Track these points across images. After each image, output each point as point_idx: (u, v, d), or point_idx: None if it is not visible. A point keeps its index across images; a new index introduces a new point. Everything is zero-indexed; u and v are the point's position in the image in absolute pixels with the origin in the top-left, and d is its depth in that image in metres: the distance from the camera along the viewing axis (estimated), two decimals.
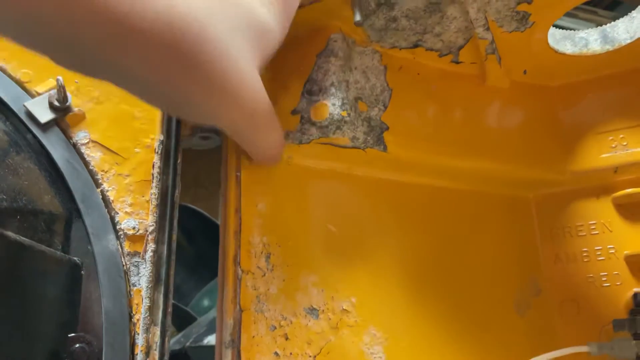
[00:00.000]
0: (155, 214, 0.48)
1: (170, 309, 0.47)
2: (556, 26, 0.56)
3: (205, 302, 1.25)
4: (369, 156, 0.53)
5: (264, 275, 0.48)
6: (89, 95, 0.50)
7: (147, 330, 0.45)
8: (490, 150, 0.58)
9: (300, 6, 0.46)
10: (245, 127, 0.42)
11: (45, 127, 0.48)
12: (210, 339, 0.97)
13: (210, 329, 1.01)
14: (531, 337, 0.59)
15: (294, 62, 0.52)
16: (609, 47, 0.56)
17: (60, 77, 0.48)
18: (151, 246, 0.47)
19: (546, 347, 0.56)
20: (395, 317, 0.53)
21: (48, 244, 0.44)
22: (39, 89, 0.49)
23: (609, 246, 0.58)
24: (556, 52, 0.56)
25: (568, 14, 1.35)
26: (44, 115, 0.48)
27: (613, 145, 0.58)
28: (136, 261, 0.47)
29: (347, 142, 0.50)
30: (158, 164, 0.50)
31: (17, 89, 0.49)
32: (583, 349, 0.54)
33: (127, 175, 0.49)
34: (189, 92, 0.35)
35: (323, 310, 0.50)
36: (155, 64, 0.33)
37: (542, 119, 0.61)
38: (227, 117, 0.39)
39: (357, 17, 0.49)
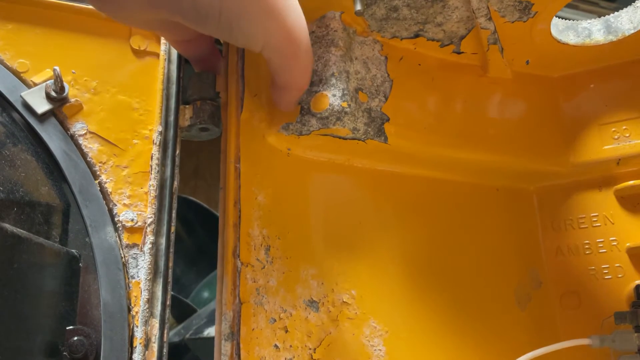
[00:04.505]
0: (153, 206, 0.48)
1: (169, 302, 0.47)
2: (558, 17, 0.56)
3: (205, 294, 1.25)
4: (370, 147, 0.52)
5: (264, 267, 0.48)
6: (86, 85, 0.50)
7: (146, 323, 0.45)
8: (492, 141, 0.58)
9: None
10: (286, 44, 0.44)
11: (42, 118, 0.47)
12: (211, 331, 0.97)
13: (211, 320, 1.01)
14: (532, 329, 0.59)
15: None
16: (612, 38, 0.56)
17: (57, 67, 0.47)
18: (150, 238, 0.47)
19: (547, 339, 0.56)
20: (396, 310, 0.53)
21: (45, 236, 0.44)
22: (36, 79, 0.48)
23: (611, 238, 0.58)
24: (559, 42, 0.56)
25: (569, 5, 1.34)
26: (41, 105, 0.47)
27: (616, 137, 0.57)
28: (135, 253, 0.47)
29: (348, 133, 0.50)
30: (156, 155, 0.49)
31: (13, 79, 0.48)
32: (584, 341, 0.54)
33: (125, 167, 0.49)
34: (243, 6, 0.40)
35: (323, 303, 0.50)
36: None
37: (544, 110, 0.60)
38: (270, 30, 0.42)
39: (358, 7, 0.48)
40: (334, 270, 0.51)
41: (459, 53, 0.57)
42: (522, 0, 0.51)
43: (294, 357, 0.47)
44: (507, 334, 0.58)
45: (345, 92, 0.49)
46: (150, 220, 0.47)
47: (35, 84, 0.48)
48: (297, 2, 0.44)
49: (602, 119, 0.58)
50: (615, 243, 0.58)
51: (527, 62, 0.58)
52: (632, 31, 0.55)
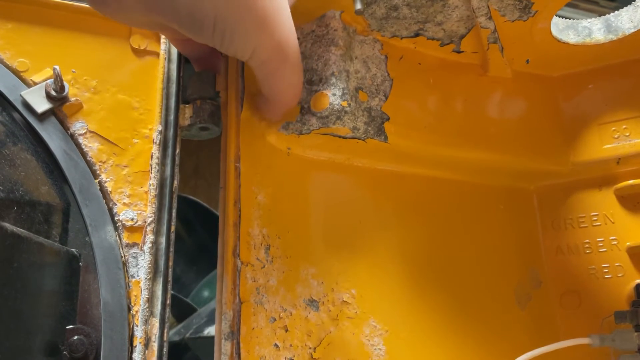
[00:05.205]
0: (153, 205, 0.48)
1: (169, 301, 0.47)
2: (558, 16, 0.56)
3: (206, 293, 1.25)
4: (370, 147, 0.52)
5: (264, 267, 0.48)
6: (86, 84, 0.50)
7: (146, 322, 0.45)
8: (492, 141, 0.58)
9: None
10: (272, 57, 0.44)
11: (42, 117, 0.47)
12: (211, 330, 0.97)
13: (211, 319, 1.01)
14: (532, 329, 0.59)
15: None
16: (612, 37, 0.56)
17: (57, 67, 0.47)
18: (150, 237, 0.47)
19: (547, 339, 0.56)
20: (395, 309, 0.53)
21: (45, 236, 0.44)
22: (36, 78, 0.48)
23: (610, 238, 0.58)
24: (559, 41, 0.56)
25: (569, 4, 1.34)
26: (41, 105, 0.47)
27: (616, 136, 0.57)
28: (135, 252, 0.47)
29: (348, 133, 0.50)
30: (156, 154, 0.49)
31: (13, 78, 0.48)
32: (584, 340, 0.54)
33: (125, 166, 0.49)
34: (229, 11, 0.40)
35: (323, 302, 0.50)
36: None
37: (544, 110, 0.60)
38: (259, 41, 0.43)
39: (358, 6, 0.48)
40: (334, 270, 0.51)
41: (459, 52, 0.57)
42: None
43: (294, 356, 0.47)
44: (507, 333, 0.58)
45: (345, 91, 0.49)
46: (150, 219, 0.47)
47: (35, 83, 0.48)
48: (290, 17, 0.44)
49: (602, 118, 0.58)
50: (615, 242, 0.58)
51: (527, 61, 0.58)
52: (633, 30, 0.55)
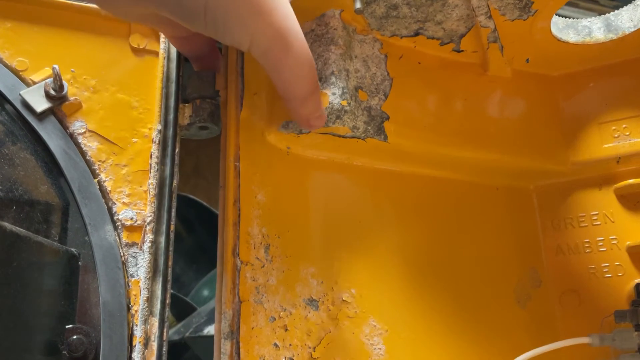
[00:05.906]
0: (153, 204, 0.48)
1: (168, 300, 0.47)
2: (558, 15, 0.56)
3: (205, 292, 1.25)
4: (369, 146, 0.52)
5: (263, 266, 0.48)
6: (85, 84, 0.50)
7: (145, 322, 0.45)
8: (492, 140, 0.58)
9: None
10: (273, 46, 0.42)
11: (41, 116, 0.47)
12: (210, 329, 0.97)
13: (210, 319, 1.01)
14: (532, 328, 0.59)
15: None
16: (612, 36, 0.56)
17: (56, 66, 0.47)
18: (149, 237, 0.47)
19: (547, 338, 0.56)
20: (395, 308, 0.53)
21: (45, 235, 0.44)
22: (35, 77, 0.48)
23: (610, 237, 0.58)
24: (559, 40, 0.56)
25: (569, 3, 1.34)
26: (40, 104, 0.47)
27: (616, 135, 0.57)
28: (134, 252, 0.47)
29: (347, 132, 0.50)
30: (156, 153, 0.49)
31: (12, 77, 0.48)
32: (584, 340, 0.54)
33: (124, 166, 0.49)
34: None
35: (323, 302, 0.50)
36: None
37: (544, 109, 0.60)
38: (255, 29, 0.40)
39: (358, 5, 0.48)
40: (334, 269, 0.51)
41: (458, 51, 0.57)
42: None
43: (293, 355, 0.47)
44: (507, 332, 0.58)
45: (345, 90, 0.48)
46: (150, 218, 0.47)
47: (35, 83, 0.48)
48: (289, 4, 0.42)
49: (602, 117, 0.58)
50: (615, 241, 0.58)
51: (527, 61, 0.58)
52: (632, 29, 0.55)
